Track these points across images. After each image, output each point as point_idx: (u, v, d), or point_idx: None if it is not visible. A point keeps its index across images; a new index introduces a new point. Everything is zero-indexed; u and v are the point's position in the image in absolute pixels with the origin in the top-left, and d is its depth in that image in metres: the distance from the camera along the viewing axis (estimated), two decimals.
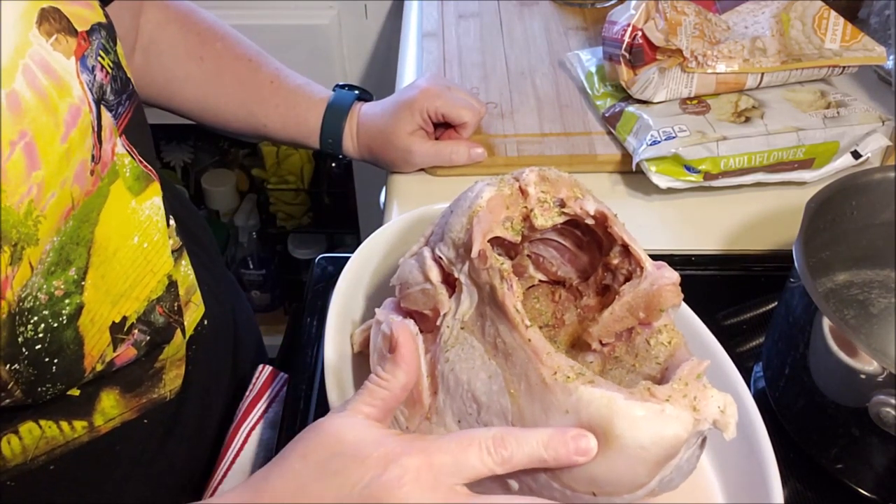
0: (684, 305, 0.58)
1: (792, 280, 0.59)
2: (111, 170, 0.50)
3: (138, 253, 0.53)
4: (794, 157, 0.79)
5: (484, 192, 0.48)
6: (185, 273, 0.59)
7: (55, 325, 0.47)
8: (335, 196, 1.78)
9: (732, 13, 0.87)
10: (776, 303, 0.65)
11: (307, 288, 0.76)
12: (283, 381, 0.70)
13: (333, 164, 1.73)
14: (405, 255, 0.53)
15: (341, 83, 0.85)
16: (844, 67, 0.85)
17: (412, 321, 0.50)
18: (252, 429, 0.66)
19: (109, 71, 0.51)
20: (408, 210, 0.65)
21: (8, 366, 0.45)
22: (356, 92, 0.83)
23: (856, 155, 0.81)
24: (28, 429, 0.50)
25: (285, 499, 0.41)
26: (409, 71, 1.00)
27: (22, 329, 0.45)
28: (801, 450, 0.60)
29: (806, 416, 0.59)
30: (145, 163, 0.54)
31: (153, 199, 0.54)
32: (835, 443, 0.57)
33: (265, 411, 0.68)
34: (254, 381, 0.70)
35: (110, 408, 0.55)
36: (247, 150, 1.84)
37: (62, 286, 0.47)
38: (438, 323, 0.49)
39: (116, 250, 0.51)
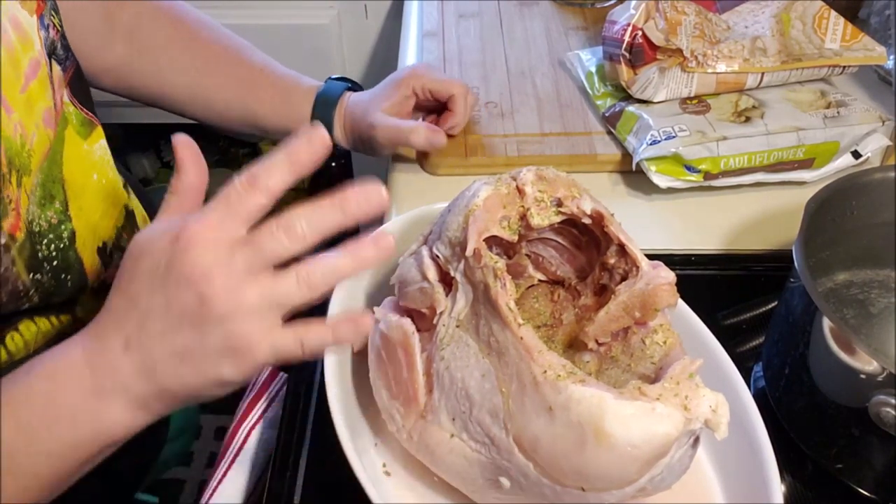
0: (684, 305, 0.58)
1: (792, 280, 0.59)
2: (62, 117, 0.57)
3: (100, 188, 0.60)
4: (794, 156, 0.79)
5: (481, 192, 0.48)
6: (136, 203, 0.68)
7: (61, 245, 0.54)
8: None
9: (732, 13, 0.87)
10: (776, 303, 0.65)
11: None
12: (283, 380, 0.70)
13: (333, 164, 1.73)
14: (404, 254, 0.53)
15: (334, 76, 0.84)
16: (844, 67, 0.85)
17: (409, 320, 0.50)
18: (252, 428, 0.67)
19: (59, 29, 0.57)
20: (408, 210, 0.64)
21: (32, 275, 0.52)
22: (347, 84, 0.82)
23: (856, 155, 0.81)
24: (26, 326, 0.56)
25: (118, 312, 0.45)
26: None
27: (38, 247, 0.53)
28: (801, 450, 0.59)
29: (806, 416, 0.59)
30: (86, 110, 0.61)
31: (100, 142, 0.61)
32: (835, 443, 0.57)
33: (265, 411, 0.68)
34: (254, 380, 0.70)
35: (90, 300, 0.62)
36: (247, 150, 1.83)
37: (54, 216, 0.54)
38: (435, 321, 0.49)
39: (84, 186, 0.58)
